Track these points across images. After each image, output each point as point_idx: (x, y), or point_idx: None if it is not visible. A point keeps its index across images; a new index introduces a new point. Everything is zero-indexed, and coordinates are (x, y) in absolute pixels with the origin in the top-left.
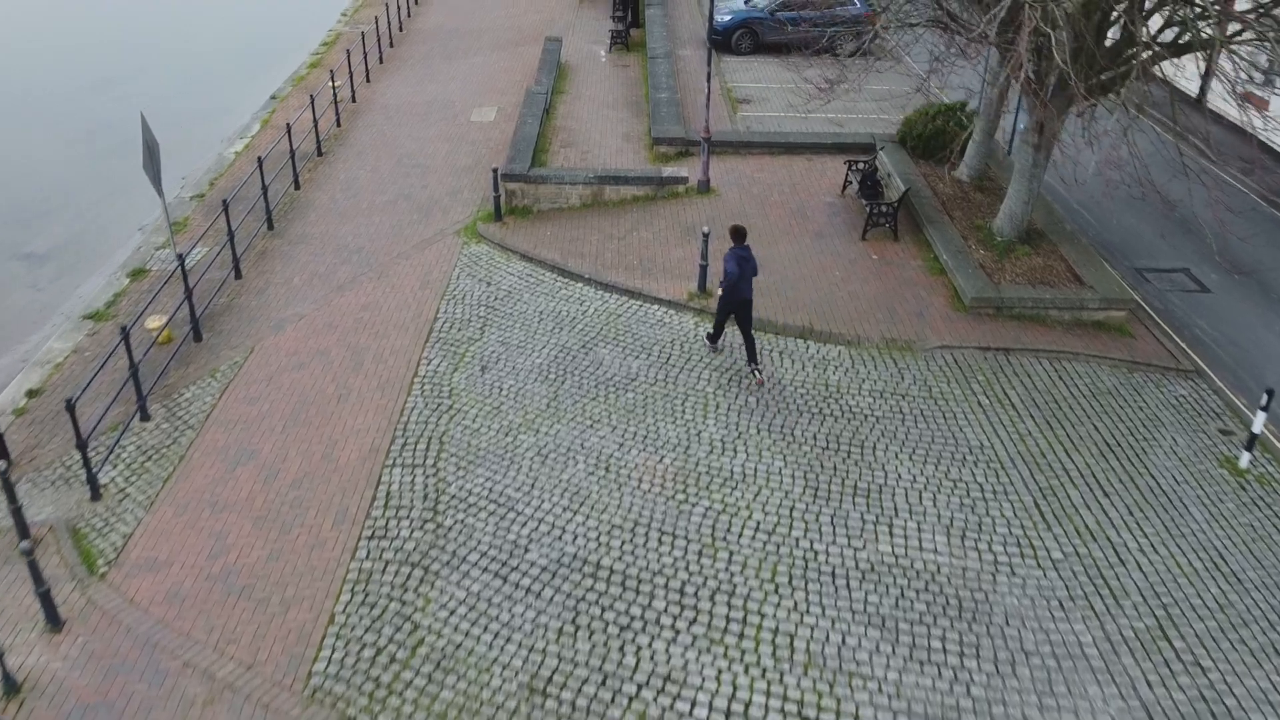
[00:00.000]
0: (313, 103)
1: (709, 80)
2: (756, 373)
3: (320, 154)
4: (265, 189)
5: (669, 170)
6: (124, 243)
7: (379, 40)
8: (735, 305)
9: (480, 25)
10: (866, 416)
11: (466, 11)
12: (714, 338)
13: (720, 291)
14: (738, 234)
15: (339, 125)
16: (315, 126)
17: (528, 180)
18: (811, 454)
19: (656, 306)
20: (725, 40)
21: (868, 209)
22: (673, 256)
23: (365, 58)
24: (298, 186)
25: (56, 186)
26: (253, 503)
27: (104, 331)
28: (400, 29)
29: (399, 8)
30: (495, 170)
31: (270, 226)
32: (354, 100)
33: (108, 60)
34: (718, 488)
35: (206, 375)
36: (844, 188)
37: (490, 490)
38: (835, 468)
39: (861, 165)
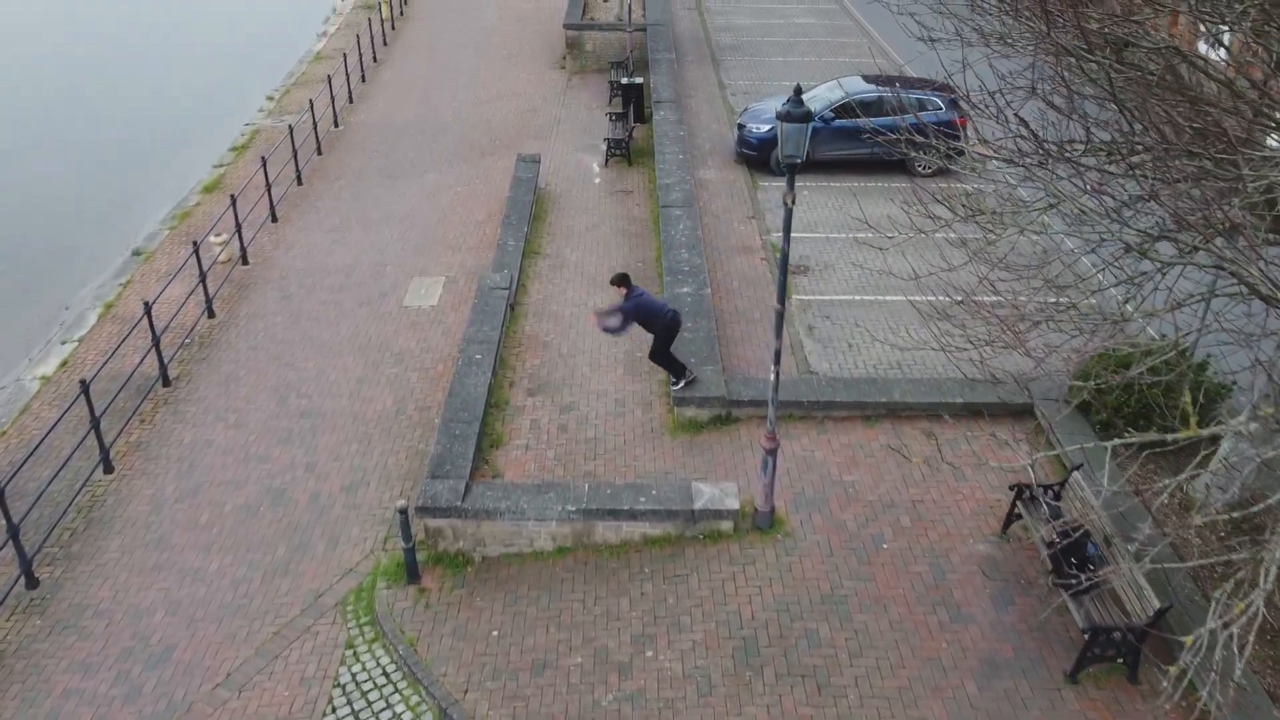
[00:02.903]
0: (145, 316)
1: (777, 337)
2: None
3: (166, 383)
4: (15, 532)
5: (706, 496)
6: None
7: (296, 155)
8: (673, 330)
9: (439, 117)
10: None
11: (425, 94)
12: (679, 372)
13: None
14: (622, 280)
15: (210, 315)
16: (155, 347)
17: (463, 515)
18: None
19: None
20: (761, 156)
21: (1085, 631)
22: None
23: (269, 189)
24: (109, 468)
25: None
26: None
27: None
28: (336, 124)
29: (335, 96)
30: (402, 511)
31: (29, 582)
32: (245, 262)
33: None
34: None
35: None
36: (1008, 521)
37: None
38: None
39: (1042, 497)
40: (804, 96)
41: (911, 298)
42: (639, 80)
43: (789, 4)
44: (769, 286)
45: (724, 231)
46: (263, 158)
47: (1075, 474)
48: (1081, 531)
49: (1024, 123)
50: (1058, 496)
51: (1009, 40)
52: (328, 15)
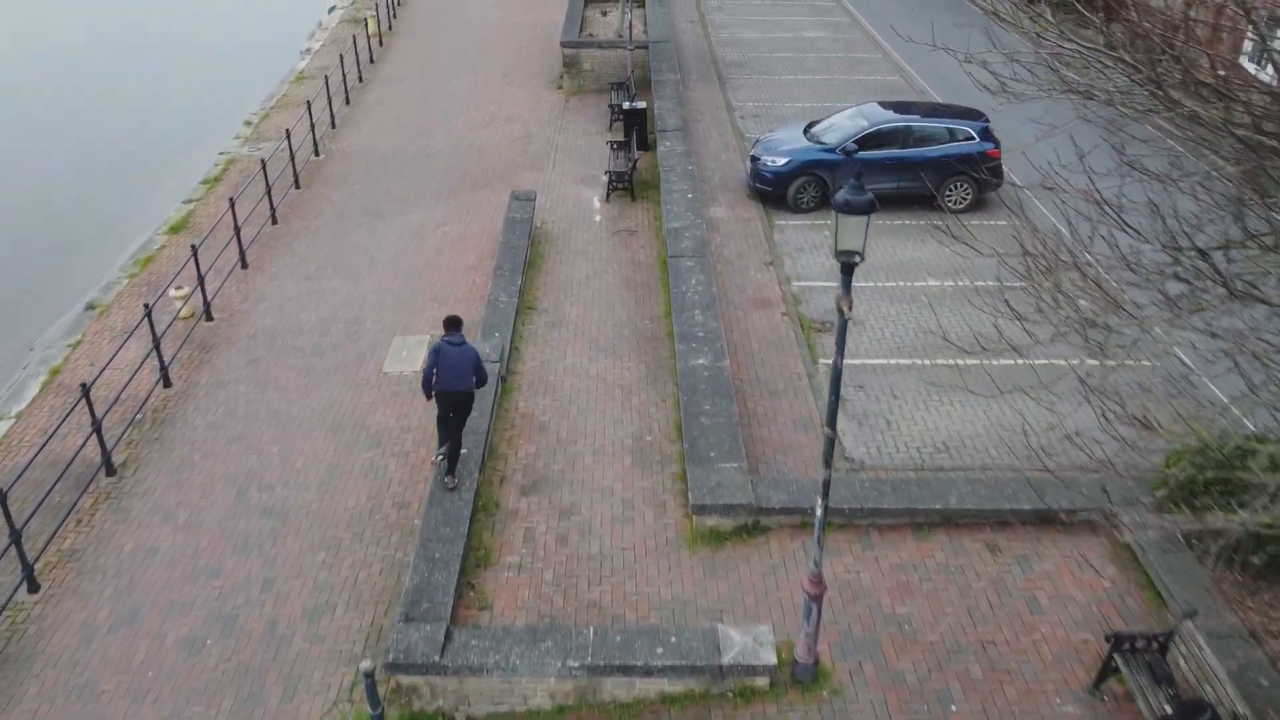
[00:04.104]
0: (83, 398)
1: (826, 466)
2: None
3: (110, 471)
4: None
5: (736, 646)
6: None
7: (270, 192)
8: (448, 404)
9: (428, 145)
10: None
11: (413, 118)
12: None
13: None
14: (451, 324)
15: (166, 384)
16: (96, 432)
17: (443, 672)
18: None
19: None
20: (777, 192)
21: None
22: None
23: (238, 233)
24: (34, 587)
25: None
26: None
27: None
28: (316, 152)
29: (316, 121)
30: (369, 675)
31: None
32: (209, 318)
33: None
34: None
35: None
36: (1101, 677)
37: None
38: None
39: (1144, 655)
40: (820, 126)
41: (959, 361)
42: (642, 105)
43: (796, 16)
44: (793, 348)
45: (739, 281)
46: (230, 199)
47: (1187, 623)
48: (1205, 710)
49: (1204, 254)
50: (1163, 649)
51: (1128, 105)
52: (312, 31)
